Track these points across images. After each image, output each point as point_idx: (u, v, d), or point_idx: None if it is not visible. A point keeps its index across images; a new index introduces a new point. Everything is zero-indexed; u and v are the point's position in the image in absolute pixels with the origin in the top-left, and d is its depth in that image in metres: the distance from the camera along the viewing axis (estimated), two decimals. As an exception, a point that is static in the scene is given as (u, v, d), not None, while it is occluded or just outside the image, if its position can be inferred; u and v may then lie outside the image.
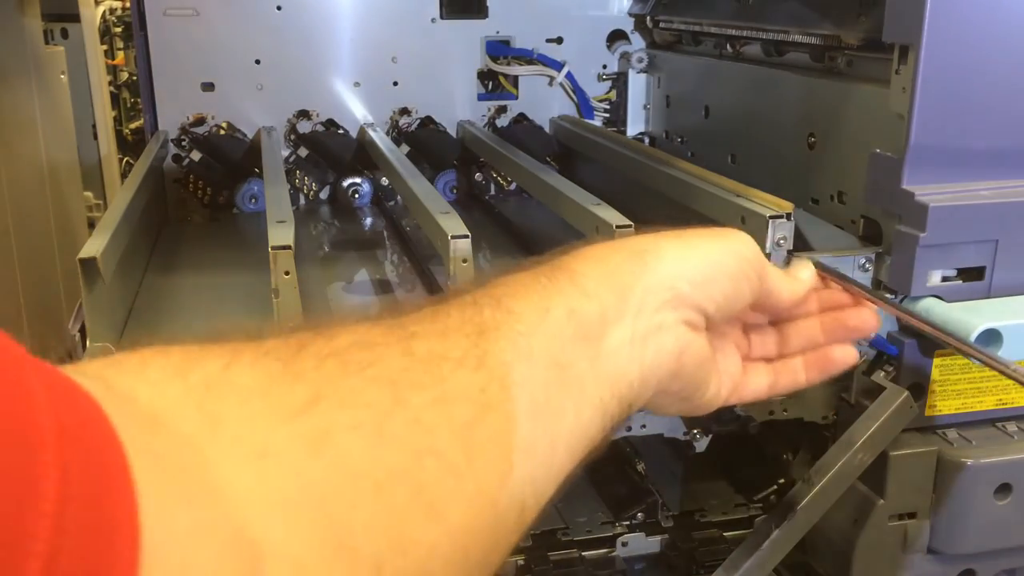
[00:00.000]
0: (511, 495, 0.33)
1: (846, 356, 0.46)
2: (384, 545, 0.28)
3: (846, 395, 0.64)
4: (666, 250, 0.40)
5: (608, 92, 1.16)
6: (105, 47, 2.07)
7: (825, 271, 0.48)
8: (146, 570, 0.21)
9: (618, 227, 0.66)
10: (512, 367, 0.33)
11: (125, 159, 2.00)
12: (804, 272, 0.46)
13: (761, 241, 0.60)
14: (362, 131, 1.08)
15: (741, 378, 0.45)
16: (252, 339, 0.30)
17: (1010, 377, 0.45)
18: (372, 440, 0.29)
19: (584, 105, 1.15)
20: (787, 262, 0.60)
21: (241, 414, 0.27)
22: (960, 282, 0.60)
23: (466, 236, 0.64)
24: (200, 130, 1.05)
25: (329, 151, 1.08)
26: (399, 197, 1.08)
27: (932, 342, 0.59)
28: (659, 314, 0.38)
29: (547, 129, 1.15)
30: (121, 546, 0.20)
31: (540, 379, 0.34)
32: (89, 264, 0.59)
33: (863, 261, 0.61)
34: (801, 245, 0.65)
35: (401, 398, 0.30)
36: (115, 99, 2.18)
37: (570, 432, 0.35)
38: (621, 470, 0.84)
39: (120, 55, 2.27)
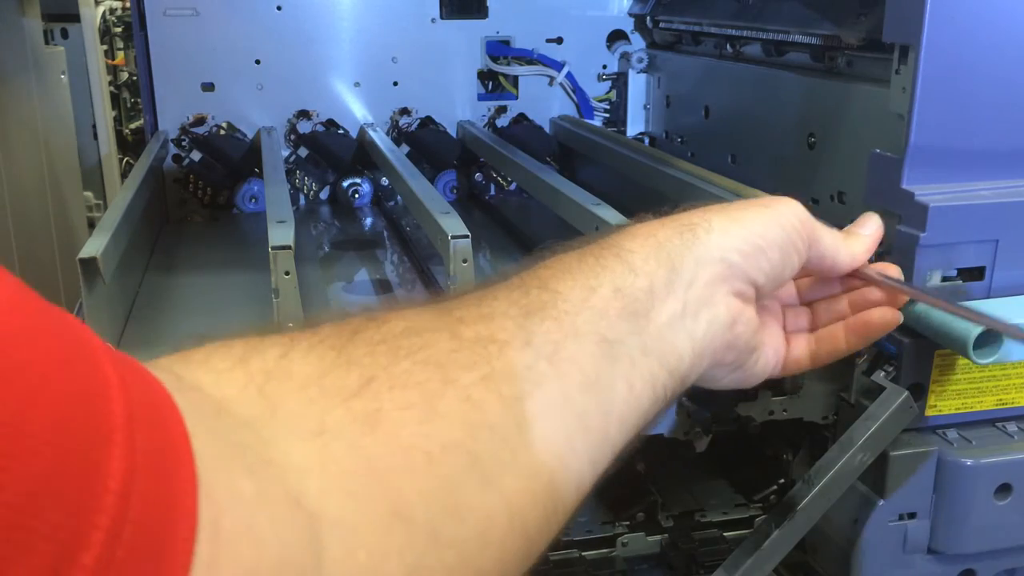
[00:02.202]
0: (567, 467, 0.34)
1: (886, 318, 0.46)
2: (439, 512, 0.29)
3: (846, 395, 0.63)
4: (715, 222, 0.40)
5: (608, 92, 1.16)
6: (105, 47, 2.07)
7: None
8: (207, 535, 0.22)
9: (618, 227, 0.66)
10: (560, 345, 0.34)
11: (125, 159, 2.00)
12: (867, 227, 0.46)
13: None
14: (362, 131, 1.08)
15: (784, 349, 0.46)
16: (309, 327, 0.32)
17: None
18: (424, 416, 0.30)
19: (584, 105, 1.15)
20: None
21: (298, 398, 0.29)
22: (960, 282, 0.59)
23: (466, 236, 0.64)
24: (200, 130, 1.05)
25: (329, 151, 1.08)
26: (399, 197, 1.08)
27: (932, 342, 0.59)
28: (710, 287, 0.39)
29: (547, 129, 1.15)
30: (180, 517, 0.22)
31: (589, 355, 0.35)
32: (89, 264, 0.59)
33: (863, 261, 0.61)
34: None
35: (450, 378, 0.31)
36: (115, 99, 2.18)
37: (623, 406, 0.36)
38: (621, 470, 0.84)
39: (120, 55, 2.27)
